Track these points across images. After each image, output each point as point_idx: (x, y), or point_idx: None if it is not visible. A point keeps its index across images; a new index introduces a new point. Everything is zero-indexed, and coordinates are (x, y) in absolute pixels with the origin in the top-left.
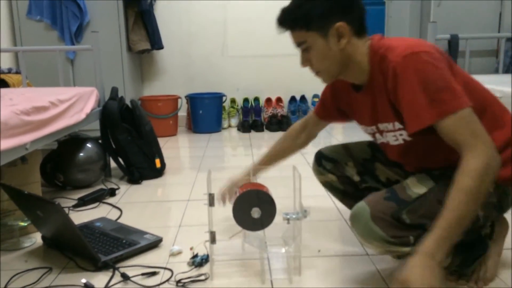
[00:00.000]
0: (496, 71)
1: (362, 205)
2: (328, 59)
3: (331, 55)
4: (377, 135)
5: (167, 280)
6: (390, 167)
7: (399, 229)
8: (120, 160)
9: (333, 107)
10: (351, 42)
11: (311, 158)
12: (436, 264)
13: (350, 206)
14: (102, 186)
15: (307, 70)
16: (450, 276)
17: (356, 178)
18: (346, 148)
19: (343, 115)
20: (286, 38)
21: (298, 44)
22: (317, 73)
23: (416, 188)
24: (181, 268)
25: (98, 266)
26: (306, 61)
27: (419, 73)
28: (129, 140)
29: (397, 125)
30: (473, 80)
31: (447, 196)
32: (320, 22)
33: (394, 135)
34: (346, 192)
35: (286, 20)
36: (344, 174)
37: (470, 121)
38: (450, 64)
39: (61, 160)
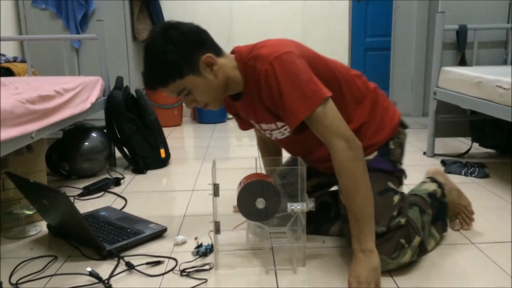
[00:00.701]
0: (504, 63)
1: None
2: (212, 90)
3: (212, 85)
4: (267, 132)
5: (172, 270)
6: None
7: (388, 243)
8: (125, 149)
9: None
10: (219, 65)
11: None
12: (369, 253)
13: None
14: (107, 176)
15: None
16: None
17: None
18: None
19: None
20: (292, 29)
21: (179, 93)
22: (206, 105)
23: None
24: (186, 257)
25: (103, 255)
26: (191, 102)
27: (286, 74)
28: (134, 130)
29: (279, 124)
30: (336, 62)
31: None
32: (188, 64)
33: (280, 132)
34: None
35: (156, 81)
36: None
37: (324, 119)
38: (309, 56)
39: (66, 149)
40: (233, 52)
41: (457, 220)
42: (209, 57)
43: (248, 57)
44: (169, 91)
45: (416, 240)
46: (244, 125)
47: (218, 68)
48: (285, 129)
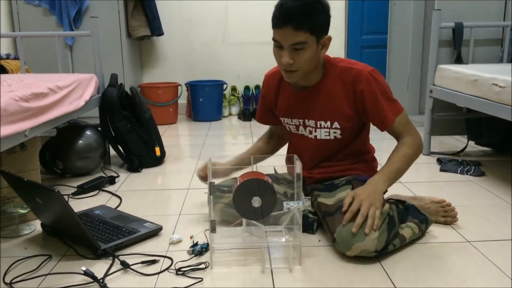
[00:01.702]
0: (500, 60)
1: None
2: (313, 62)
3: (315, 59)
4: (300, 128)
5: (167, 269)
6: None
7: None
8: (120, 148)
9: (270, 111)
10: (324, 51)
11: None
12: (379, 190)
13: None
14: (102, 174)
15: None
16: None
17: None
18: None
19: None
20: None
21: (298, 43)
22: (294, 71)
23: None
24: (181, 256)
25: (98, 254)
26: (292, 59)
27: (382, 84)
28: (128, 128)
29: (336, 124)
30: None
31: (391, 156)
32: (322, 30)
33: (327, 132)
34: None
35: (298, 18)
36: None
37: (407, 120)
38: None
39: (60, 147)
40: None
41: (443, 218)
42: (329, 40)
43: (336, 60)
44: (293, 36)
45: (386, 206)
46: (267, 119)
47: (324, 52)
48: (334, 132)
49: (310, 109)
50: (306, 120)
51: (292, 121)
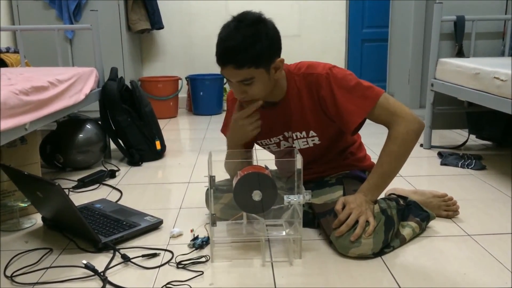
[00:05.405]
0: (502, 54)
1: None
2: (267, 89)
3: (270, 85)
4: (282, 142)
5: (168, 262)
6: None
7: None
8: (120, 141)
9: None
10: (280, 71)
11: None
12: (369, 199)
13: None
14: (102, 168)
15: (311, 52)
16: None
17: None
18: None
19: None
20: (288, 19)
21: (243, 80)
22: (252, 100)
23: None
24: (182, 250)
25: (99, 248)
26: (243, 92)
27: (343, 79)
28: (129, 122)
29: (311, 133)
30: None
31: (379, 156)
32: (267, 60)
33: (305, 141)
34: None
35: (237, 59)
36: None
37: (387, 106)
38: None
39: (60, 141)
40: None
41: (445, 212)
42: (280, 62)
43: (297, 68)
44: (238, 75)
45: (376, 207)
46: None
47: (279, 73)
48: (312, 140)
49: (285, 122)
50: (286, 133)
51: (271, 140)
